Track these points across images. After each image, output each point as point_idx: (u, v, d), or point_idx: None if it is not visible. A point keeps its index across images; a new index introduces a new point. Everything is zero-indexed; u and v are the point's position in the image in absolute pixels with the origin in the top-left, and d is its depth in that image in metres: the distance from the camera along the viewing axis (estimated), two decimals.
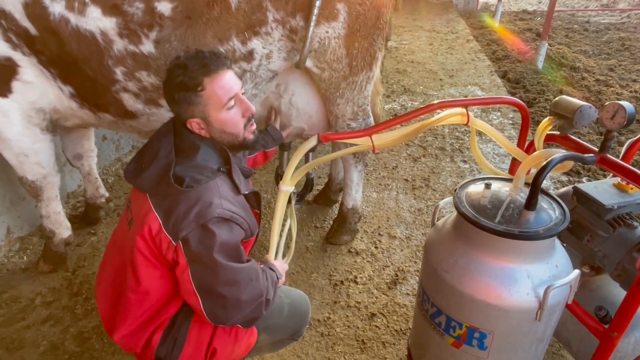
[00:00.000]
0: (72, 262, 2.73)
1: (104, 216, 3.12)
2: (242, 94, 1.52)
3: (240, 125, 1.51)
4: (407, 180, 3.64)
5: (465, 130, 4.43)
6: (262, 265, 1.60)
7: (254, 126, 1.58)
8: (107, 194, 3.14)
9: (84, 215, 3.10)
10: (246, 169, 1.66)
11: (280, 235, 1.89)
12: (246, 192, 1.58)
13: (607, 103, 1.50)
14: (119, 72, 1.94)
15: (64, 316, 2.36)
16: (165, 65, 1.91)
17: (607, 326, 1.51)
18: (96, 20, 1.83)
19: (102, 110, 2.13)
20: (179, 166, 1.40)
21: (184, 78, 1.39)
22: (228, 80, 1.45)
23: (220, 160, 1.50)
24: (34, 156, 2.26)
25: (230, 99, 1.45)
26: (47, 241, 2.64)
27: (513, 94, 5.40)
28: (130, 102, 2.04)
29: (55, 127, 2.33)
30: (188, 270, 1.36)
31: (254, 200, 1.66)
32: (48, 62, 1.98)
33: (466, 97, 5.36)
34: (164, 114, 2.10)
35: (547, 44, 6.17)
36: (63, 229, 2.64)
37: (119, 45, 1.88)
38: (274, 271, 1.64)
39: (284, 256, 1.92)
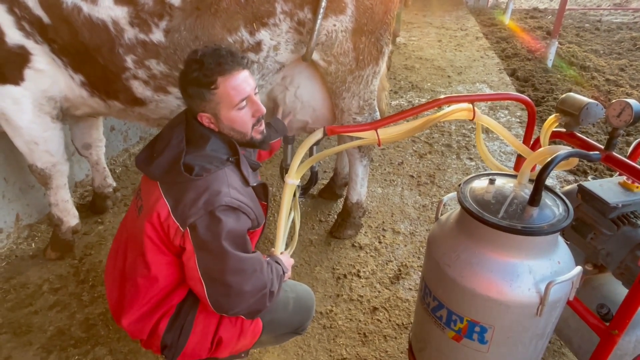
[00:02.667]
0: (79, 250, 2.77)
1: (111, 206, 3.15)
2: (255, 94, 1.54)
3: (249, 125, 1.54)
4: (412, 176, 3.65)
5: (471, 127, 4.42)
6: (268, 259, 1.62)
7: (263, 126, 1.60)
8: (114, 184, 3.17)
9: (92, 205, 3.14)
10: (254, 162, 1.68)
11: (286, 227, 1.91)
12: (254, 184, 1.60)
13: (613, 101, 1.49)
14: (129, 60, 1.96)
15: (71, 302, 2.40)
16: (175, 54, 1.94)
17: (608, 324, 1.51)
18: (108, 9, 1.86)
19: (111, 98, 2.15)
20: (189, 155, 1.44)
21: (199, 74, 1.42)
22: (242, 82, 1.47)
23: (229, 152, 1.53)
24: (44, 144, 2.29)
25: (242, 100, 1.48)
26: (55, 229, 2.68)
27: (521, 92, 5.35)
28: (140, 89, 2.07)
29: (65, 115, 2.36)
30: (194, 257, 1.38)
31: (262, 193, 1.68)
32: (60, 50, 2.00)
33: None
34: (172, 100, 2.13)
35: (557, 43, 6.12)
36: (71, 217, 2.67)
37: (130, 34, 1.90)
38: (280, 265, 1.66)
39: (286, 247, 1.94)
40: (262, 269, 1.47)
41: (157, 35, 1.90)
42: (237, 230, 1.41)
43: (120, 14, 1.86)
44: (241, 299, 1.42)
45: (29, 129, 2.20)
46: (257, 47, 2.00)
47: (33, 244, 2.84)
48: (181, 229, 1.38)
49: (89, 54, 1.96)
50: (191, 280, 1.44)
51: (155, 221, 1.41)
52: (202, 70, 1.41)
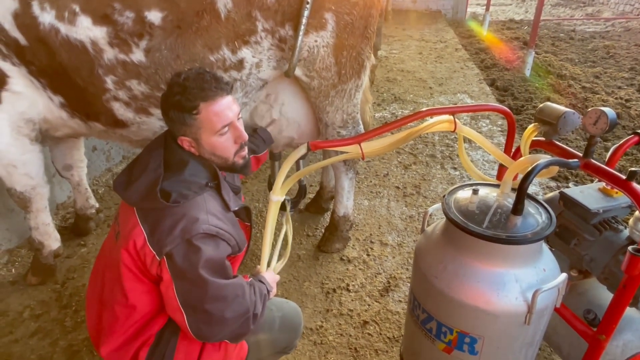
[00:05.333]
0: (61, 274, 2.70)
1: (94, 227, 3.09)
2: (238, 119, 1.52)
3: (231, 151, 1.52)
4: (398, 187, 3.66)
5: (454, 137, 4.48)
6: (251, 279, 1.59)
7: (245, 152, 1.59)
8: (97, 205, 3.12)
9: (74, 227, 3.07)
10: (235, 186, 1.66)
11: (275, 243, 1.88)
12: (236, 209, 1.58)
13: (589, 109, 1.53)
14: (109, 81, 1.94)
15: (53, 329, 2.33)
16: (156, 74, 1.93)
17: (595, 329, 1.52)
18: (86, 30, 1.84)
19: (92, 120, 2.13)
20: (166, 181, 1.40)
21: (181, 98, 1.39)
22: (225, 108, 1.45)
23: (208, 176, 1.50)
24: (23, 167, 2.24)
25: (224, 126, 1.46)
26: (36, 253, 2.61)
27: (501, 102, 5.47)
28: (121, 110, 2.05)
29: (45, 137, 2.32)
30: (173, 286, 1.35)
31: (244, 214, 1.66)
32: (38, 72, 1.98)
33: (455, 104, 5.42)
34: (154, 122, 2.10)
35: (534, 53, 6.28)
36: (52, 241, 2.61)
37: (110, 54, 1.88)
38: (264, 284, 1.62)
39: (278, 260, 1.90)
40: (243, 294, 1.43)
41: (138, 55, 1.89)
42: (215, 257, 1.38)
43: (99, 34, 1.85)
44: (223, 326, 1.38)
45: (6, 152, 2.15)
46: (239, 65, 2.01)
47: (13, 270, 2.76)
48: (157, 257, 1.34)
49: (67, 75, 1.94)
50: (171, 309, 1.40)
51: (131, 249, 1.37)
52: (184, 95, 1.39)
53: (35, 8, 1.83)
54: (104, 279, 1.50)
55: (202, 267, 1.32)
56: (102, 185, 3.65)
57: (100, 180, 3.69)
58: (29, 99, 2.07)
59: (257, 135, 2.24)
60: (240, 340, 1.51)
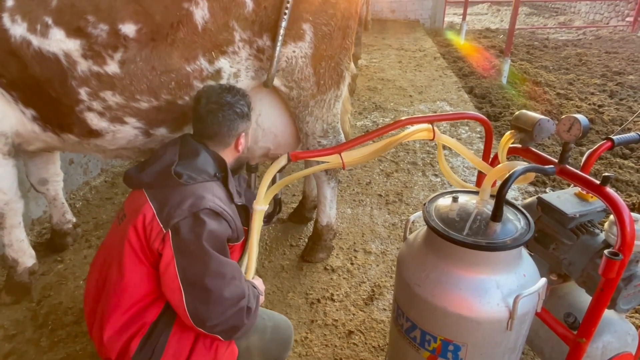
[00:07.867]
0: (36, 292, 2.61)
1: (71, 243, 3.01)
2: None
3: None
4: (380, 195, 3.68)
5: (435, 145, 4.53)
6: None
7: None
8: (74, 220, 3.03)
9: (50, 243, 2.98)
10: (240, 191, 1.81)
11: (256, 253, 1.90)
12: (239, 204, 1.74)
13: (563, 117, 1.56)
14: (83, 92, 1.91)
15: (28, 350, 2.24)
16: (131, 85, 1.91)
17: (575, 332, 1.54)
18: (59, 42, 1.81)
19: (65, 131, 2.08)
20: (179, 166, 1.57)
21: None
22: None
23: (217, 168, 1.67)
24: None
25: None
26: (9, 271, 2.53)
27: (479, 109, 5.57)
28: (95, 120, 2.01)
29: (18, 151, 2.25)
30: (174, 262, 1.41)
31: (243, 217, 1.77)
32: (9, 85, 1.93)
33: (435, 112, 5.50)
34: (129, 130, 2.07)
35: (509, 60, 6.43)
36: (27, 258, 2.53)
37: (83, 66, 1.85)
38: (255, 287, 1.67)
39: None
40: (240, 278, 1.50)
41: (112, 67, 1.86)
42: (218, 233, 1.47)
43: (73, 46, 1.82)
44: (220, 307, 1.41)
45: None
46: (216, 75, 1.99)
47: None
48: (163, 230, 1.43)
49: (40, 87, 1.89)
50: (169, 291, 1.44)
51: (139, 224, 1.47)
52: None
53: (6, 20, 1.79)
54: (103, 264, 1.58)
55: (205, 240, 1.43)
56: (79, 199, 3.56)
57: (78, 194, 3.60)
58: (0, 112, 2.01)
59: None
60: (232, 336, 1.52)
